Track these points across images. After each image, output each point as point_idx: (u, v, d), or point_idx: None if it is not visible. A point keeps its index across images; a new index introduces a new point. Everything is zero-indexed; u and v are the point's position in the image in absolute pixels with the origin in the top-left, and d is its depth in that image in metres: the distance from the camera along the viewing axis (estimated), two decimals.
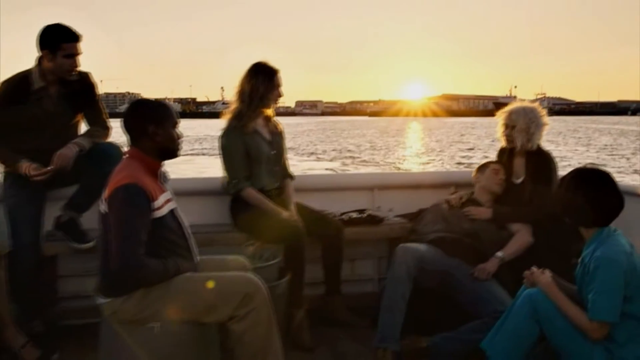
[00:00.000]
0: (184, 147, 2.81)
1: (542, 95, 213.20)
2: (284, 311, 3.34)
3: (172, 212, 2.60)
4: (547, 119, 3.71)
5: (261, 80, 3.62)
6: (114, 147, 3.45)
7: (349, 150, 31.41)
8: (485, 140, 40.01)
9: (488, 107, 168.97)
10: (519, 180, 3.75)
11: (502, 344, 2.61)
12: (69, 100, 3.47)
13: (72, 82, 3.43)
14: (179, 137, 2.64)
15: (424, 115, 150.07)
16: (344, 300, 3.76)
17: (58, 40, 3.30)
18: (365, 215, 3.95)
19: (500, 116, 3.76)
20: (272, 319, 2.57)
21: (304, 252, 3.45)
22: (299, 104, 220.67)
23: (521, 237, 3.51)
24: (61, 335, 3.41)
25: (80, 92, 3.50)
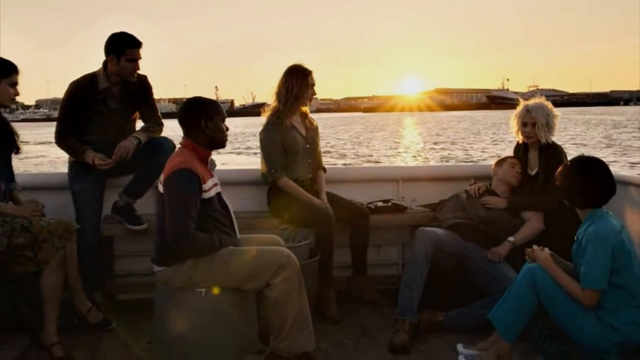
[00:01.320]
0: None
1: (535, 87, 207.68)
2: (315, 289, 3.72)
3: (218, 194, 3.01)
4: (556, 110, 4.00)
5: (295, 81, 4.00)
6: (167, 141, 3.88)
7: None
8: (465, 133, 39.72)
9: (481, 100, 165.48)
10: (533, 172, 4.05)
11: (505, 313, 2.96)
12: (129, 99, 3.91)
13: (132, 83, 3.86)
14: (226, 129, 3.05)
15: (419, 109, 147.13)
16: (370, 282, 4.12)
17: (122, 47, 3.74)
18: (390, 204, 4.31)
19: (516, 115, 4.04)
20: (303, 289, 2.95)
21: (333, 236, 3.83)
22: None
23: (532, 223, 3.83)
24: (117, 307, 3.85)
25: (139, 92, 3.93)
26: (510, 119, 4.10)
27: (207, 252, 2.88)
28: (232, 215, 3.10)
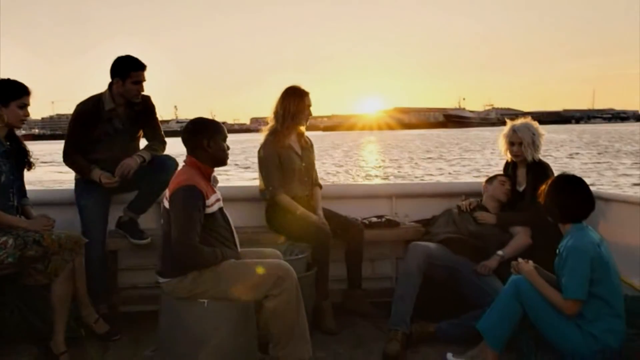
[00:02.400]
0: None
1: (491, 106, 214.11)
2: (312, 301, 3.87)
3: (220, 209, 3.18)
4: (542, 129, 4.19)
5: (292, 102, 4.18)
6: (170, 159, 4.06)
7: None
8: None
9: (439, 119, 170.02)
10: (522, 189, 4.23)
11: (491, 322, 3.12)
12: (134, 119, 4.09)
13: (137, 103, 4.05)
14: (227, 148, 3.23)
15: (379, 128, 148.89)
16: (365, 295, 4.27)
17: (127, 69, 3.92)
18: (384, 219, 4.47)
19: (504, 135, 4.22)
20: (300, 299, 3.10)
21: (329, 250, 3.99)
22: (254, 120, 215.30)
23: (520, 238, 4.00)
24: (121, 319, 3.99)
25: (143, 112, 4.11)
26: (499, 138, 4.28)
27: (210, 264, 3.03)
28: (233, 229, 3.26)
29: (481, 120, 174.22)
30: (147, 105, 4.15)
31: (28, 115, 3.48)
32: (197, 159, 3.16)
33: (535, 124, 4.19)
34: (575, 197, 3.09)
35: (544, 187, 3.23)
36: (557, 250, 3.13)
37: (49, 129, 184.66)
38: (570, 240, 3.02)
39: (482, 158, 33.45)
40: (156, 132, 4.22)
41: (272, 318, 3.05)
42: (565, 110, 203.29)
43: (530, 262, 3.18)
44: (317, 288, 3.94)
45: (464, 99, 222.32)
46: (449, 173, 25.72)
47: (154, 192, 4.01)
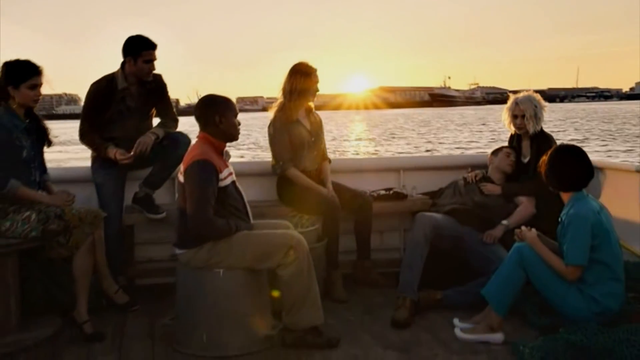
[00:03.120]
0: None
1: (476, 85, 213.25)
2: (323, 272, 4.00)
3: (233, 183, 3.30)
4: (544, 102, 4.29)
5: (299, 78, 4.28)
6: (183, 135, 4.17)
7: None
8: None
9: (424, 98, 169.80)
10: (526, 160, 4.33)
11: (496, 288, 3.25)
12: (146, 97, 4.19)
13: (149, 82, 4.15)
14: (238, 124, 3.34)
15: (366, 108, 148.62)
16: (373, 265, 4.40)
17: (139, 49, 4.01)
18: (391, 192, 4.58)
19: (507, 109, 4.32)
20: (312, 269, 3.23)
21: (338, 222, 4.11)
22: (240, 100, 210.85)
23: (524, 208, 4.10)
24: (138, 291, 4.14)
25: (155, 90, 4.21)
26: (503, 112, 4.37)
27: (224, 236, 3.16)
28: (246, 202, 3.38)
29: (466, 99, 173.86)
30: (159, 84, 4.25)
31: (40, 94, 3.53)
32: (209, 134, 3.27)
33: (538, 96, 4.28)
34: (574, 166, 3.20)
35: (544, 158, 3.33)
36: (559, 219, 3.23)
37: None
38: (572, 209, 3.13)
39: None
40: (168, 110, 4.32)
41: (285, 286, 3.19)
42: (550, 89, 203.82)
43: (533, 229, 3.29)
44: (327, 259, 4.07)
45: (449, 77, 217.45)
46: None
47: (168, 168, 4.13)
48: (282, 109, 4.33)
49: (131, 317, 3.76)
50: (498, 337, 3.21)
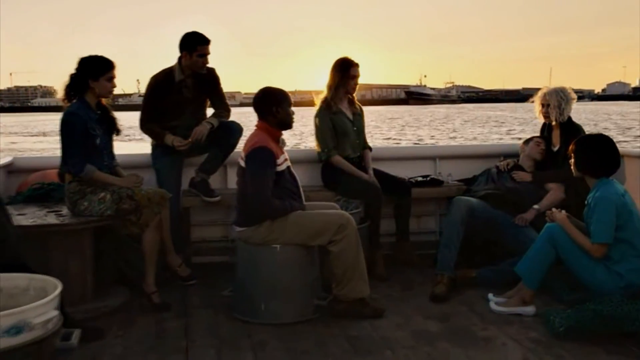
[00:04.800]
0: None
1: (451, 84, 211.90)
2: (365, 252, 4.31)
3: (288, 168, 3.64)
4: (574, 94, 4.56)
5: (338, 73, 4.60)
6: (235, 124, 4.52)
7: None
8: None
9: (400, 95, 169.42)
10: (556, 149, 4.61)
11: (528, 264, 3.55)
12: (201, 89, 4.54)
13: (203, 75, 4.50)
14: (292, 113, 3.67)
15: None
16: (412, 246, 4.71)
17: (194, 44, 4.36)
18: (428, 179, 4.89)
19: (537, 98, 4.62)
20: (359, 244, 3.56)
21: (380, 205, 4.43)
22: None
23: (554, 193, 4.38)
24: (194, 268, 4.49)
25: (209, 82, 4.56)
26: (535, 101, 4.67)
27: (280, 215, 3.51)
28: (300, 185, 3.72)
29: (442, 97, 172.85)
30: (213, 76, 4.59)
31: (115, 86, 3.92)
32: (267, 123, 3.61)
33: (568, 89, 4.56)
34: (602, 154, 3.47)
35: (572, 146, 3.61)
36: (586, 201, 3.52)
37: (7, 102, 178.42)
38: (598, 192, 3.41)
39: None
40: (221, 100, 4.66)
41: (335, 260, 3.52)
42: (524, 89, 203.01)
43: (563, 211, 3.58)
44: (370, 239, 4.39)
45: (425, 76, 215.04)
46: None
47: (223, 155, 4.49)
48: (325, 101, 4.66)
49: (191, 290, 4.13)
50: (530, 309, 3.51)
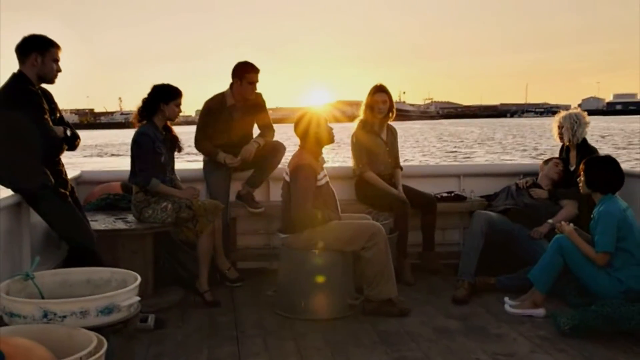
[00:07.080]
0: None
1: (430, 100, 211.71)
2: (394, 260, 4.76)
3: (327, 183, 4.14)
4: (588, 118, 4.99)
5: (368, 97, 5.13)
6: (279, 144, 5.05)
7: None
8: None
9: None
10: (573, 168, 5.02)
11: (539, 271, 3.98)
12: (249, 112, 5.08)
13: (251, 99, 5.04)
14: (331, 129, 4.16)
15: (326, 121, 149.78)
16: (437, 256, 5.15)
17: (244, 72, 4.91)
18: (453, 194, 5.34)
19: (554, 121, 5.06)
20: (389, 251, 4.04)
21: (408, 217, 4.89)
22: (199, 112, 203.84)
23: (567, 209, 4.78)
24: (238, 272, 5.00)
25: (256, 106, 5.10)
26: (553, 124, 5.10)
27: (319, 224, 4.00)
28: (336, 198, 4.22)
29: (421, 113, 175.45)
30: (259, 101, 5.13)
31: (181, 111, 4.51)
32: (308, 143, 4.12)
33: (583, 114, 4.98)
34: (606, 171, 3.91)
35: (582, 166, 4.04)
36: (592, 215, 3.95)
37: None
38: (602, 207, 3.85)
39: None
40: (267, 122, 5.19)
41: (367, 264, 3.99)
42: (501, 104, 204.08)
43: (571, 224, 4.01)
44: (398, 248, 4.84)
45: (404, 92, 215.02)
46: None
47: (267, 171, 5.02)
48: (361, 121, 5.17)
49: (240, 289, 4.64)
50: (540, 311, 3.94)
